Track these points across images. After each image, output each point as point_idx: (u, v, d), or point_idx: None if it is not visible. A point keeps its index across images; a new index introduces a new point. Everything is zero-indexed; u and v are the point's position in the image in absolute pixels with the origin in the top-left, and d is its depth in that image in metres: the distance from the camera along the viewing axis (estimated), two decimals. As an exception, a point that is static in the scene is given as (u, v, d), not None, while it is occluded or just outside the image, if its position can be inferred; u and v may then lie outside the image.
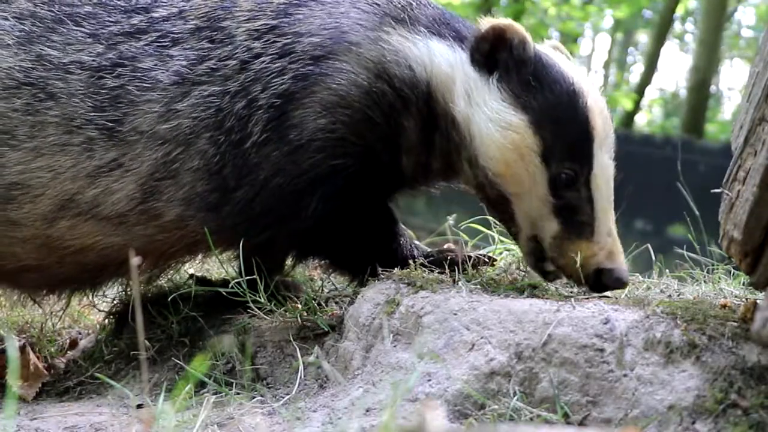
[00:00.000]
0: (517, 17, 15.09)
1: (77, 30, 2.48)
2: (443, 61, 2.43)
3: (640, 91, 18.23)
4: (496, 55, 2.39)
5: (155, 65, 2.44)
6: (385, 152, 2.46)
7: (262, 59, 2.42)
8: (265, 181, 2.40)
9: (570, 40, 17.24)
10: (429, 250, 2.60)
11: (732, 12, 20.76)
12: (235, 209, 2.43)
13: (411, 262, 2.37)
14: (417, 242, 2.65)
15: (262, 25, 2.46)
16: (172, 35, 2.48)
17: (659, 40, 17.60)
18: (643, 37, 25.23)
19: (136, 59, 2.45)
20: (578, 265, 2.26)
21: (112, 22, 2.50)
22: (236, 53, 2.44)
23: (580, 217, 2.32)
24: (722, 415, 1.77)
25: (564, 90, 2.35)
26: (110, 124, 2.41)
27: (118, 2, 2.54)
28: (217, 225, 2.42)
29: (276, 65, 2.41)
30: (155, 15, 2.51)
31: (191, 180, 2.42)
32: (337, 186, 2.41)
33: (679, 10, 18.78)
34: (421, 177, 2.59)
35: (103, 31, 2.49)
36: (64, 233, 2.47)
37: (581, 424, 1.86)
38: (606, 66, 25.82)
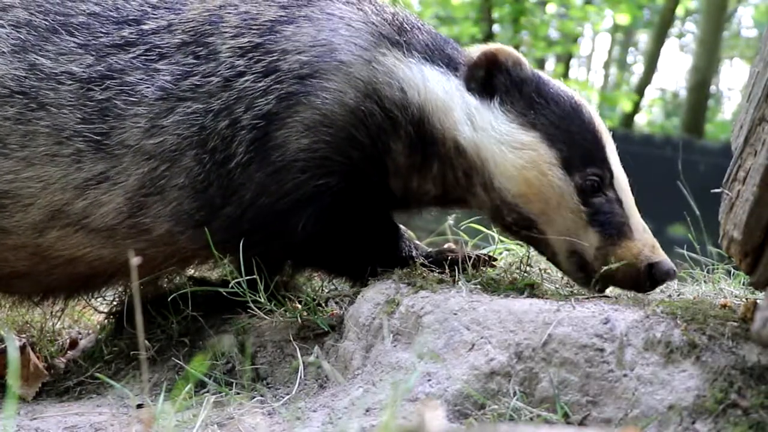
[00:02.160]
0: (516, 17, 15.08)
1: (70, 40, 2.46)
2: (438, 87, 2.41)
3: (640, 91, 18.20)
4: (493, 80, 2.40)
5: (141, 79, 2.42)
6: (373, 171, 2.44)
7: (245, 78, 2.39)
8: (251, 200, 2.39)
9: (570, 40, 17.23)
10: (429, 250, 2.60)
11: (732, 12, 20.74)
12: (224, 225, 2.41)
13: (411, 262, 2.37)
14: (417, 242, 2.64)
15: (247, 42, 2.43)
16: (159, 49, 2.45)
17: (659, 40, 17.59)
18: (643, 37, 25.20)
19: (124, 72, 2.42)
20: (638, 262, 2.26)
21: (103, 33, 2.48)
22: (219, 70, 2.41)
23: (615, 218, 2.32)
24: (722, 415, 1.77)
25: (567, 102, 2.40)
26: (98, 136, 2.40)
27: (111, 13, 2.52)
28: (207, 240, 2.39)
29: (260, 84, 2.38)
30: (145, 27, 2.49)
31: (178, 197, 2.41)
32: (323, 205, 2.39)
33: (679, 10, 18.76)
34: (414, 201, 2.56)
35: (94, 42, 2.46)
36: (54, 243, 2.46)
37: (581, 424, 1.86)
38: (606, 66, 25.81)
